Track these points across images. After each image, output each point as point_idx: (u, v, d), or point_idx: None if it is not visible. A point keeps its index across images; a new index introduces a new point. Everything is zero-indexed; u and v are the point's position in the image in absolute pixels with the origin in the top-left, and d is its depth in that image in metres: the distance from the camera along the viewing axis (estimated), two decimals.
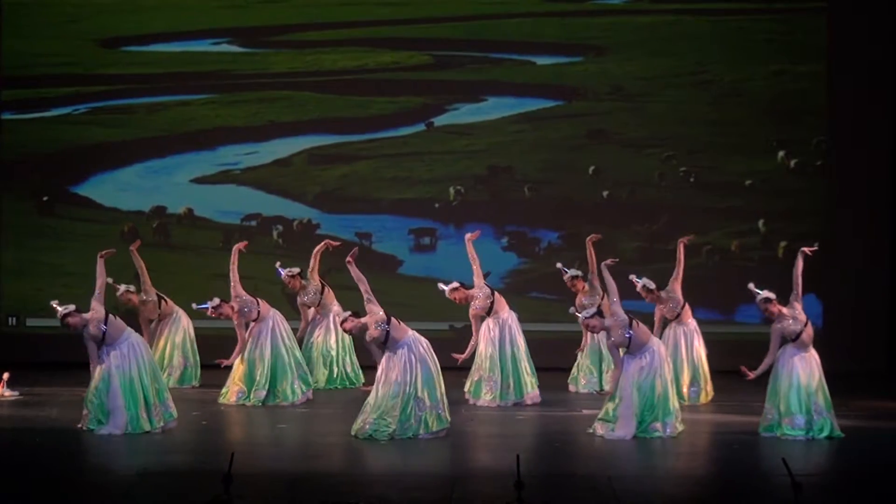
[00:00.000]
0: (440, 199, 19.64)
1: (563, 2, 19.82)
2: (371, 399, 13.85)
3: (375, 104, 19.82)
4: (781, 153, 19.46)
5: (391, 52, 19.82)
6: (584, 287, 16.83)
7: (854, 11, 19.22)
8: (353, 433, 13.83)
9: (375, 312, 13.82)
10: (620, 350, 14.04)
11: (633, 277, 16.29)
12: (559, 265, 17.05)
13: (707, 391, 16.39)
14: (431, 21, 19.87)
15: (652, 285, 16.26)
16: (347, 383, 17.39)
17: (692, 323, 16.47)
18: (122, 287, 17.20)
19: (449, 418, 13.96)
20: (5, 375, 16.31)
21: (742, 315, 19.27)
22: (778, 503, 11.09)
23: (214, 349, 17.34)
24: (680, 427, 14.07)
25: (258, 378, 16.03)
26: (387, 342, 13.79)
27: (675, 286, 16.37)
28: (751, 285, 14.22)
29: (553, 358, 17.40)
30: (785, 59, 19.47)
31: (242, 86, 19.83)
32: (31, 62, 19.76)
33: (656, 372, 13.93)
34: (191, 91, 19.84)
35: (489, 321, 16.14)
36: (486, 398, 16.01)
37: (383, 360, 13.84)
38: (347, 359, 17.50)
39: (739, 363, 16.66)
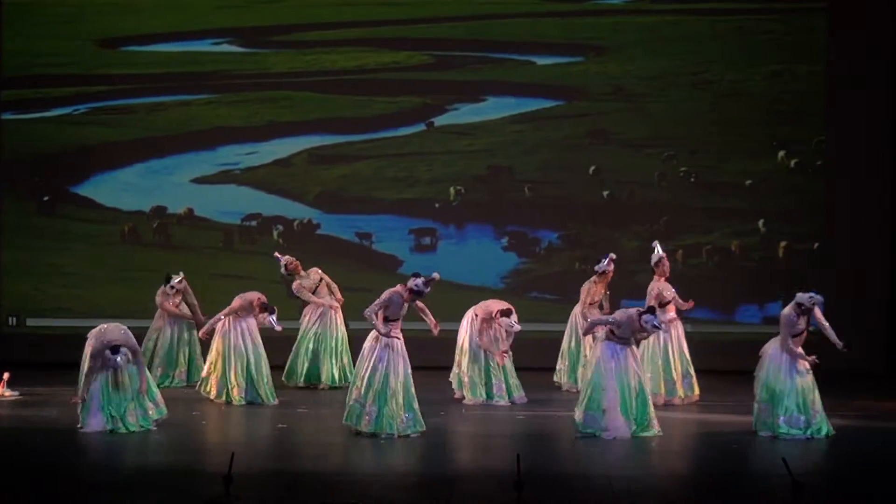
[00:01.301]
0: (441, 199, 19.65)
1: (563, 2, 19.82)
2: (360, 386, 13.86)
3: (376, 104, 19.81)
4: (781, 153, 19.45)
5: (391, 52, 19.81)
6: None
7: (854, 11, 19.22)
8: (345, 420, 13.90)
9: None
10: (600, 331, 14.09)
11: (656, 244, 16.40)
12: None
13: (695, 384, 16.39)
14: (432, 21, 19.85)
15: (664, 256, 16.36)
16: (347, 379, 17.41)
17: (677, 319, 16.44)
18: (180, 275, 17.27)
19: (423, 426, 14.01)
20: (6, 375, 16.31)
21: (742, 315, 19.29)
22: (778, 503, 11.09)
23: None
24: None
25: (235, 373, 15.97)
26: (391, 315, 13.82)
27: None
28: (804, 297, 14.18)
29: (553, 358, 17.40)
30: (785, 59, 19.47)
31: (243, 86, 19.82)
32: (31, 62, 19.75)
33: (637, 369, 13.98)
34: (191, 91, 19.83)
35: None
36: (467, 393, 16.05)
37: (375, 350, 13.81)
38: (346, 354, 17.44)
39: (739, 363, 16.69)
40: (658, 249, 16.59)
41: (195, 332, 17.32)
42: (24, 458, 12.85)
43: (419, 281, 13.84)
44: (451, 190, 19.65)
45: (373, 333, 13.87)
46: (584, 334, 15.80)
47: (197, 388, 16.31)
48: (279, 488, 11.64)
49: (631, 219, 19.45)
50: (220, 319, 16.06)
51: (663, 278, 16.46)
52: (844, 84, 19.19)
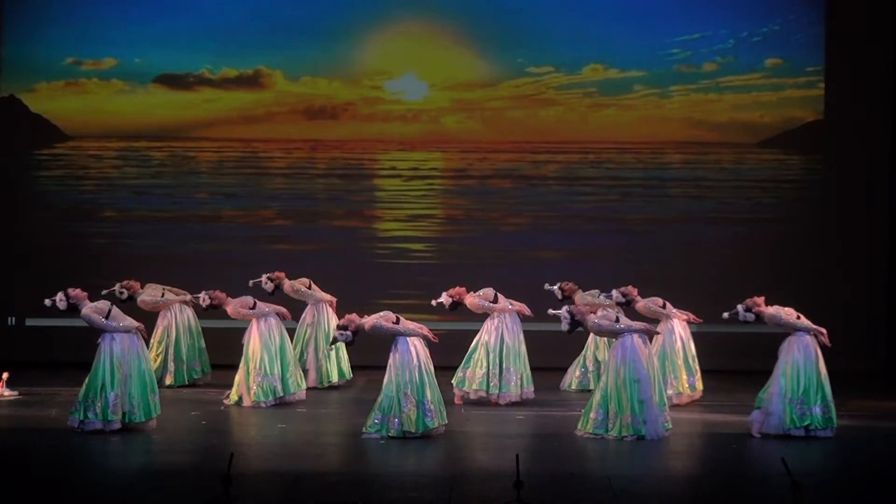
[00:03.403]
0: (440, 199, 19.65)
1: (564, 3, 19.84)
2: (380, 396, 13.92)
3: (380, 102, 19.83)
4: (781, 153, 19.46)
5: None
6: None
7: (854, 11, 19.23)
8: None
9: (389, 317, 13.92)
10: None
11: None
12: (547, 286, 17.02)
13: (698, 382, 16.42)
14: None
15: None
16: (341, 378, 17.40)
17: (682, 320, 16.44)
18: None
19: (435, 422, 13.95)
20: (5, 375, 16.30)
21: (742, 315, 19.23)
22: (777, 503, 11.09)
23: (215, 347, 17.42)
24: None
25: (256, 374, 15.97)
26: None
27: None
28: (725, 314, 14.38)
29: (550, 358, 17.40)
30: (785, 59, 19.46)
31: (242, 84, 19.81)
32: (30, 61, 19.73)
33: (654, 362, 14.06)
34: (190, 90, 19.82)
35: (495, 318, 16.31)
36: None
37: (393, 355, 13.84)
38: (340, 354, 17.44)
39: (737, 363, 16.70)
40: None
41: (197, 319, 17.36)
42: (24, 458, 12.85)
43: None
44: (451, 190, 19.67)
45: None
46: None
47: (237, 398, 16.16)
48: (279, 488, 11.64)
49: (630, 219, 19.45)
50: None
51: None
52: (844, 84, 19.20)
